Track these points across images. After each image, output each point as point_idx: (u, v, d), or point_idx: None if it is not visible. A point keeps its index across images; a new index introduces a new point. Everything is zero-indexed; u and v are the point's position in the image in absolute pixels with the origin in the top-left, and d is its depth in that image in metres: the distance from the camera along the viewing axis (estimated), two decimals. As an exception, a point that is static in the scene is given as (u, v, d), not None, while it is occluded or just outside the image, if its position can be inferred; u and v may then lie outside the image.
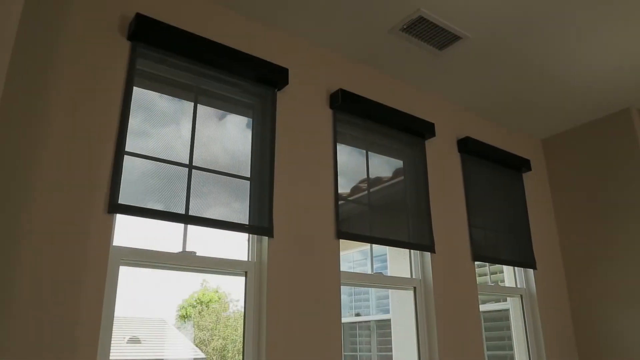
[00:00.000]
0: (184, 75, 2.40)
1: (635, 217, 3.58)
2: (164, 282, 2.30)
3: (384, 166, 3.13)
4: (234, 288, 2.39)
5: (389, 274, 3.15)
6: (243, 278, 2.38)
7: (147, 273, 2.18)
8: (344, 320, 2.59)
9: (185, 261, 2.20)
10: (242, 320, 2.33)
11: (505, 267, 3.86)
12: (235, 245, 2.44)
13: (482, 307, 3.77)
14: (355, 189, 2.93)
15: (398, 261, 3.25)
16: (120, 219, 2.07)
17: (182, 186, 2.24)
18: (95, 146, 2.01)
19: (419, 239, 3.07)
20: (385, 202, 3.01)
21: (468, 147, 3.53)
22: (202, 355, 2.55)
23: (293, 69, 2.80)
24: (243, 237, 2.47)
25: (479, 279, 3.45)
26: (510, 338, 3.70)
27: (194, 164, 2.32)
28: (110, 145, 2.05)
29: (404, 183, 3.18)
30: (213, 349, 2.58)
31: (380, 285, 2.93)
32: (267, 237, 2.41)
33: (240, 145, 2.51)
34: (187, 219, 2.20)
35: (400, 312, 3.16)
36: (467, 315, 3.15)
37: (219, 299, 2.63)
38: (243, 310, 2.34)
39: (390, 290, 3.37)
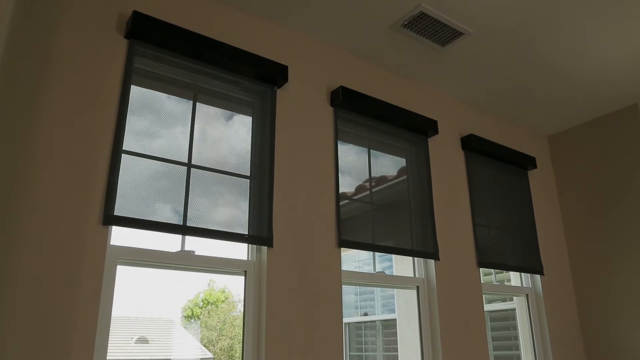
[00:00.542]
0: (182, 73, 2.38)
1: (643, 215, 3.52)
2: (170, 282, 2.29)
3: (386, 164, 3.10)
4: (241, 289, 2.39)
5: (394, 274, 3.12)
6: (243, 278, 2.36)
7: (153, 273, 2.18)
8: (349, 320, 2.56)
9: (184, 260, 2.19)
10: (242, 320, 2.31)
11: (511, 269, 3.81)
12: (235, 245, 2.42)
13: (488, 307, 3.73)
14: (358, 188, 2.89)
15: (404, 260, 3.21)
16: (118, 218, 2.05)
17: (181, 186, 2.23)
18: (92, 145, 2.00)
19: (422, 245, 3.03)
20: (387, 202, 2.98)
21: (472, 145, 3.48)
22: (210, 355, 2.55)
23: (293, 66, 2.78)
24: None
25: (484, 278, 3.40)
26: (516, 338, 3.65)
27: (193, 163, 2.30)
28: (107, 143, 2.04)
29: (407, 182, 3.14)
30: (220, 349, 2.57)
31: (383, 284, 2.89)
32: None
33: (240, 143, 2.49)
34: (184, 229, 2.16)
35: (406, 311, 3.13)
36: (472, 316, 3.11)
37: (226, 299, 2.62)
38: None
39: (395, 290, 3.34)
